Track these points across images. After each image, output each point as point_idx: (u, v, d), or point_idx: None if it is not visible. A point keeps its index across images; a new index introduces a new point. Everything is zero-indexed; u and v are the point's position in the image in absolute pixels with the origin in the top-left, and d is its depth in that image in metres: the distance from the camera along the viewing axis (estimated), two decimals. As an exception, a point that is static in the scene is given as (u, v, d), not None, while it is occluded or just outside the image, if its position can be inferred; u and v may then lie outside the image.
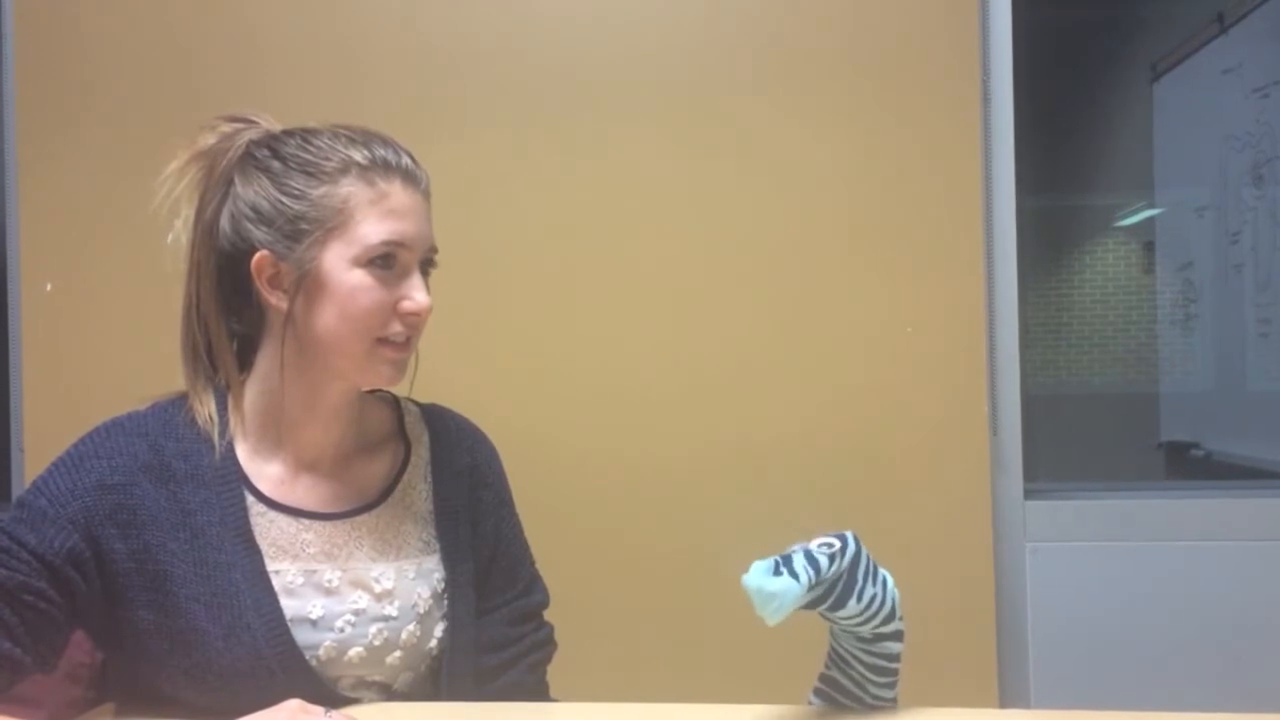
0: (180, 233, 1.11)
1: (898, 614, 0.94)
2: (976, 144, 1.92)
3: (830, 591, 0.90)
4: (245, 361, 1.12)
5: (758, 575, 0.87)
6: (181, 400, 1.10)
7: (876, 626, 0.93)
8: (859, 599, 0.91)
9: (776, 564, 0.88)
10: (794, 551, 0.90)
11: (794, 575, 0.87)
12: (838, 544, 0.91)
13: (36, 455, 1.97)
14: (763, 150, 1.94)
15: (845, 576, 0.90)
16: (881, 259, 1.92)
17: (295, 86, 1.98)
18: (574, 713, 1.12)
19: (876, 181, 1.93)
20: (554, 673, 1.23)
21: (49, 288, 2.00)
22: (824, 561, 0.89)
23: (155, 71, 2.00)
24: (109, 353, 1.97)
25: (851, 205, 1.93)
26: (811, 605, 0.90)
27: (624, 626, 1.91)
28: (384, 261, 1.04)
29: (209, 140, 1.10)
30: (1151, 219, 3.42)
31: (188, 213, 1.10)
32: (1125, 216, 3.76)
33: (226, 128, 1.11)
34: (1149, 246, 3.56)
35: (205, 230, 1.08)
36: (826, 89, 1.94)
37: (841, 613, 0.91)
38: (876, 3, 1.93)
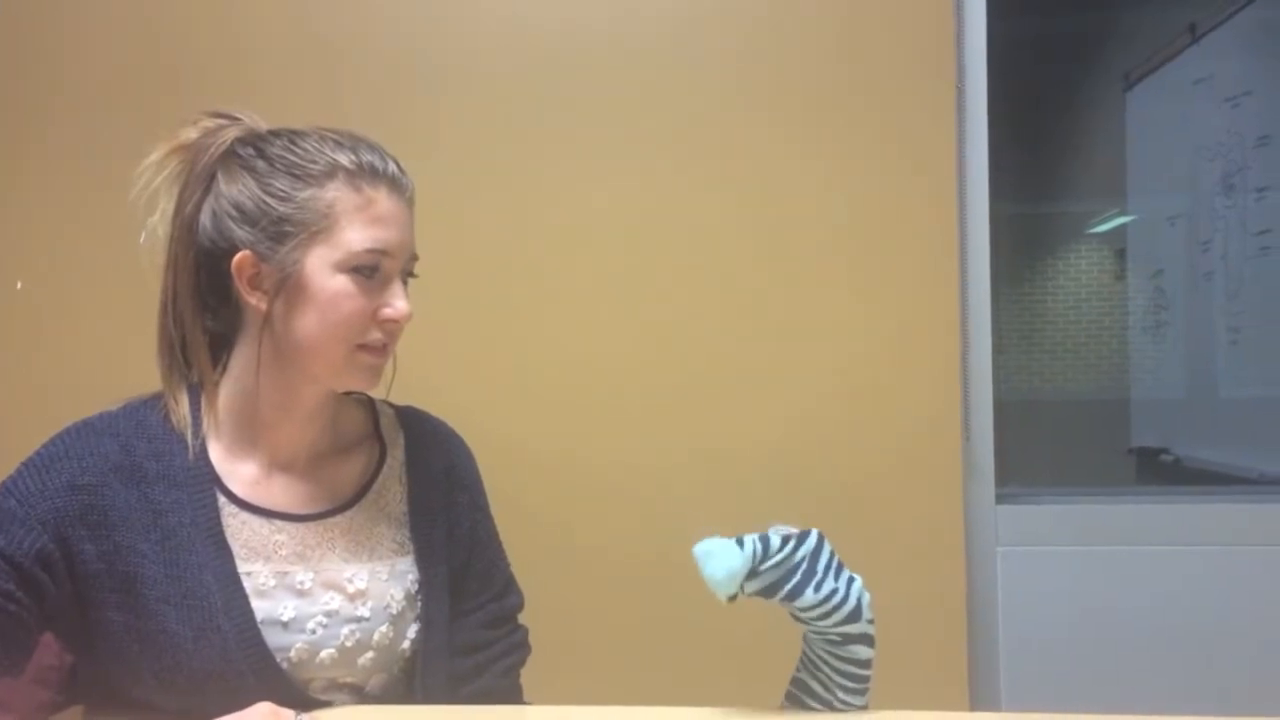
0: (156, 228, 1.09)
1: (864, 616, 0.96)
2: (951, 151, 1.93)
3: (789, 577, 0.93)
4: (219, 360, 1.12)
5: (705, 541, 0.92)
6: (155, 400, 1.10)
7: (839, 624, 0.95)
8: (816, 590, 0.94)
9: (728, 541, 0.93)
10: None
11: (739, 545, 0.92)
12: (795, 531, 0.95)
13: (5, 456, 1.94)
14: (738, 159, 1.95)
15: (805, 565, 0.94)
16: (856, 266, 1.93)
17: (276, 84, 1.96)
18: (547, 715, 1.12)
19: (851, 189, 1.94)
20: (528, 676, 1.23)
21: (19, 285, 1.98)
22: (775, 541, 0.93)
23: (129, 66, 1.98)
24: (80, 352, 1.95)
25: (826, 212, 1.94)
26: (769, 592, 0.93)
27: (598, 630, 1.91)
28: (367, 269, 1.04)
29: (191, 135, 1.09)
30: (1123, 226, 3.45)
31: (165, 206, 1.09)
32: (1098, 224, 3.79)
33: (210, 123, 1.10)
34: (1121, 254, 3.59)
35: (185, 225, 1.07)
36: (801, 97, 1.94)
37: (799, 602, 0.94)
38: (852, 12, 1.94)
